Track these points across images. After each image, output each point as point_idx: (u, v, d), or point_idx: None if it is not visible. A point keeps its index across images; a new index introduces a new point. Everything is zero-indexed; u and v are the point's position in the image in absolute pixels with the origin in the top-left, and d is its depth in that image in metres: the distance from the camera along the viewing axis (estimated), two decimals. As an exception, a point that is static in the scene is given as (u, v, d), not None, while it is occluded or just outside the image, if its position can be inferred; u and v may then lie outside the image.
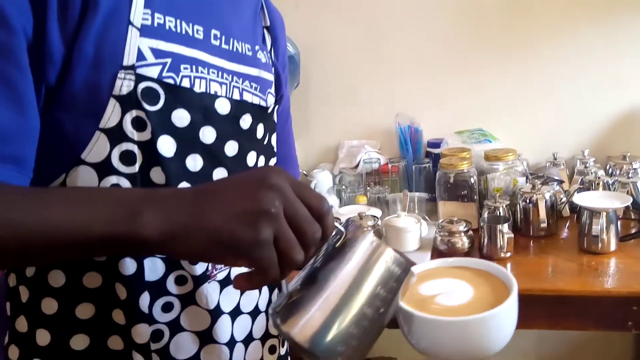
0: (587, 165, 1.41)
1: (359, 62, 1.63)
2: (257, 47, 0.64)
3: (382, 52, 1.61)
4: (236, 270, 0.59)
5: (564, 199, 1.27)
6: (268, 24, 0.70)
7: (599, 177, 1.30)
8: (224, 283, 0.59)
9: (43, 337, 0.54)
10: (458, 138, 1.50)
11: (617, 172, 1.37)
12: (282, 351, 0.70)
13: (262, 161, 0.65)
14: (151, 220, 0.40)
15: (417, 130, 1.56)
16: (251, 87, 0.61)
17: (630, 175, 1.31)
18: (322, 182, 1.54)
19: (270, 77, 0.66)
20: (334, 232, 0.46)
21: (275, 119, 0.68)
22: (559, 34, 1.49)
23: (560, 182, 1.32)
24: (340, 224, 0.47)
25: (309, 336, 0.43)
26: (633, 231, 1.16)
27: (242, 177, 0.43)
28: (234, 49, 0.59)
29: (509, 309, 0.48)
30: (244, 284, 0.42)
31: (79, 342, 0.54)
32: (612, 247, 1.09)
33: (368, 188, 1.49)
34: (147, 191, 0.44)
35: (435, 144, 1.52)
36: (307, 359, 0.45)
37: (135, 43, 0.49)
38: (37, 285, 0.53)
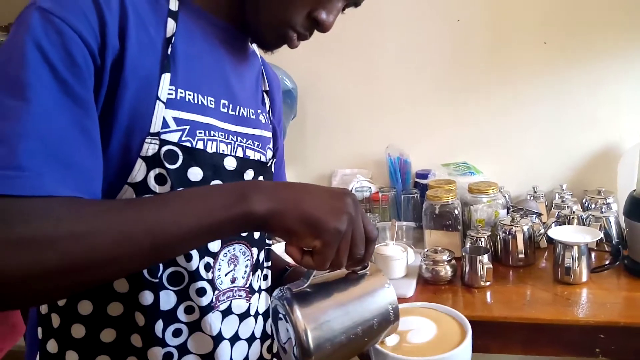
0: (564, 199, 1.44)
1: (352, 97, 1.67)
2: (258, 111, 0.72)
3: (374, 88, 1.65)
4: (236, 304, 0.66)
5: (542, 231, 1.31)
6: (267, 88, 0.78)
7: (574, 212, 1.34)
8: (225, 313, 0.64)
9: (72, 358, 0.59)
10: (444, 170, 1.53)
11: (593, 206, 1.40)
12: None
13: None
14: (260, 201, 0.49)
15: (406, 162, 1.60)
16: (253, 144, 0.69)
17: (603, 210, 1.35)
18: (317, 208, 1.59)
19: (269, 134, 0.74)
20: None
21: (273, 169, 0.75)
22: (540, 75, 1.54)
23: (539, 215, 1.35)
24: None
25: (308, 321, 0.51)
26: (606, 263, 1.21)
27: (330, 188, 0.54)
28: (240, 114, 0.67)
29: (464, 350, 0.55)
30: (297, 255, 0.51)
31: None
32: (584, 278, 1.13)
33: (359, 215, 1.55)
34: (248, 181, 0.53)
35: (423, 175, 1.56)
36: (295, 348, 0.51)
37: (161, 114, 0.55)
38: (68, 313, 0.59)
